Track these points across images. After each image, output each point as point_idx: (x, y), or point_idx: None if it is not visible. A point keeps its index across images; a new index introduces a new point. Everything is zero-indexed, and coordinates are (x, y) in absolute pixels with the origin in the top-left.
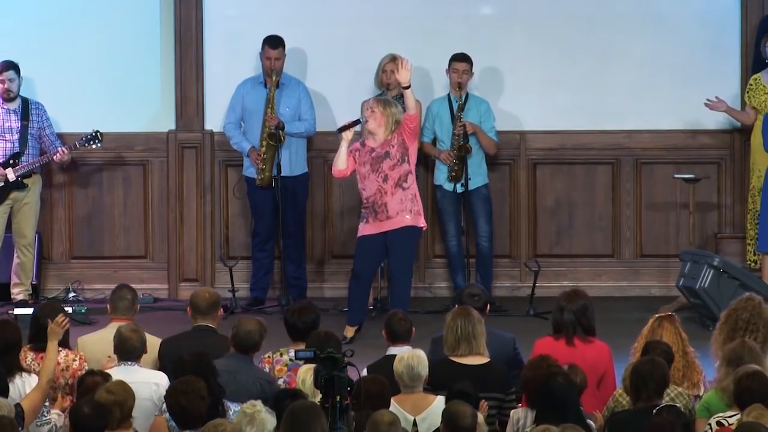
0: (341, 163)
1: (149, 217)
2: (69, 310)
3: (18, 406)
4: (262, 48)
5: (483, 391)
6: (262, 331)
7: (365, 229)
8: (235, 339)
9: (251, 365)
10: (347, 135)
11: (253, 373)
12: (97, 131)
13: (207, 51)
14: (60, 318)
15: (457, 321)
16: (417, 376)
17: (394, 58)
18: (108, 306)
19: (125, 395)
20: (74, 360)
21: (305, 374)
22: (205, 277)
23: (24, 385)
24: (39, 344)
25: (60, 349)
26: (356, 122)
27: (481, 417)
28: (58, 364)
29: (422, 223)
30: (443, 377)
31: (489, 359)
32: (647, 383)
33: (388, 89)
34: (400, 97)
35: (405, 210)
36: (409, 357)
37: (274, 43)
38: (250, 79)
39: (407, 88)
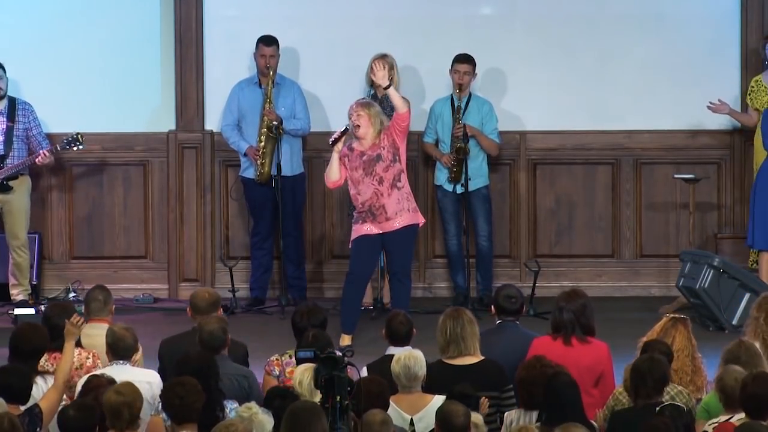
0: (334, 174)
1: (149, 218)
2: None
3: (36, 406)
4: (257, 47)
5: (477, 390)
6: (225, 326)
7: (362, 229)
8: (202, 343)
9: (224, 362)
10: (339, 146)
11: (227, 372)
12: (78, 133)
13: (207, 51)
14: (75, 318)
15: (447, 323)
16: (414, 376)
17: (384, 57)
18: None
19: (134, 396)
20: (87, 358)
21: (302, 375)
22: (205, 277)
23: (47, 387)
24: (51, 344)
25: None
26: (345, 131)
27: (479, 417)
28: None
29: (421, 219)
30: (436, 379)
31: (482, 358)
32: (646, 381)
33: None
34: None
35: (403, 209)
36: (406, 357)
37: (268, 41)
38: (245, 80)
39: (388, 88)
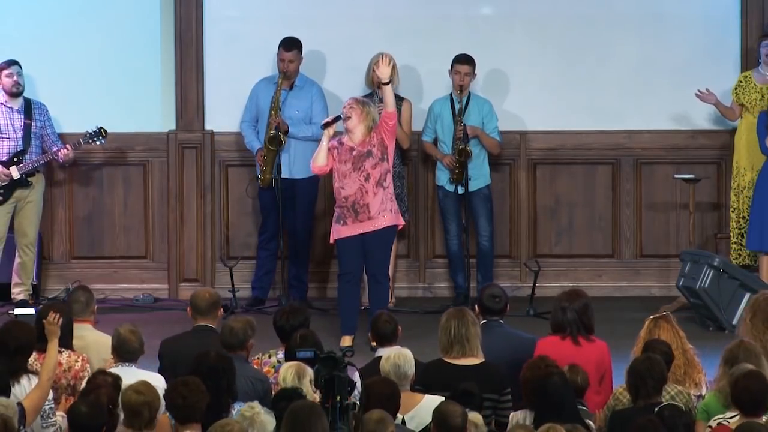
0: (321, 159)
1: (149, 217)
2: None
3: (19, 404)
4: (278, 49)
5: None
6: (248, 329)
7: (343, 231)
8: (221, 337)
9: (243, 364)
10: (330, 131)
11: (244, 372)
12: (101, 128)
13: (207, 51)
14: (51, 316)
15: (451, 322)
16: (404, 374)
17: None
18: None
19: (153, 396)
20: (77, 361)
21: (285, 372)
22: (206, 277)
23: (31, 386)
24: (42, 345)
25: (62, 350)
26: (338, 118)
27: (479, 417)
28: (60, 365)
29: (401, 221)
30: (436, 378)
31: (483, 360)
32: (646, 381)
33: (379, 87)
34: None
35: (385, 210)
36: (396, 356)
37: (288, 45)
38: (265, 79)
39: (387, 84)
